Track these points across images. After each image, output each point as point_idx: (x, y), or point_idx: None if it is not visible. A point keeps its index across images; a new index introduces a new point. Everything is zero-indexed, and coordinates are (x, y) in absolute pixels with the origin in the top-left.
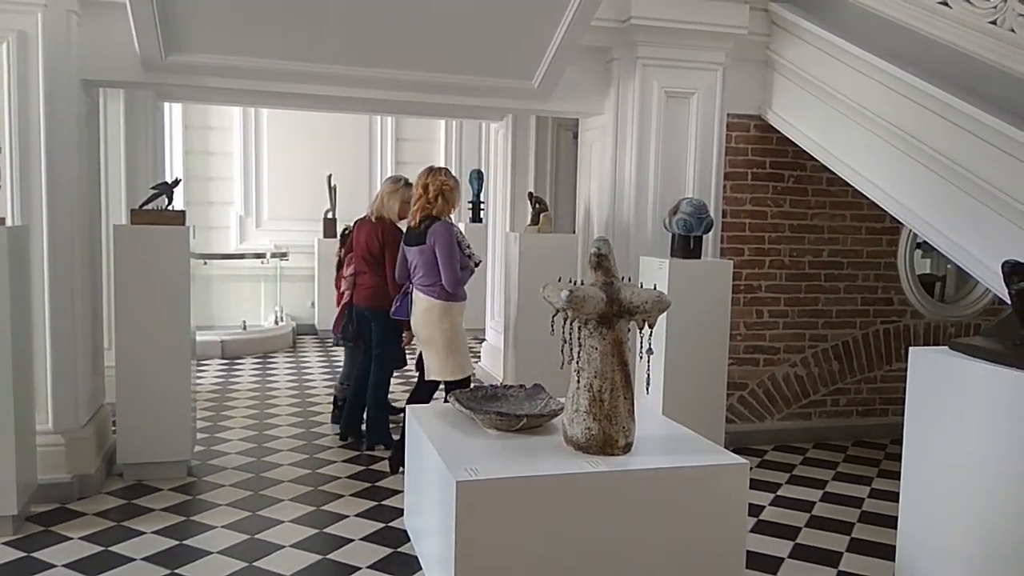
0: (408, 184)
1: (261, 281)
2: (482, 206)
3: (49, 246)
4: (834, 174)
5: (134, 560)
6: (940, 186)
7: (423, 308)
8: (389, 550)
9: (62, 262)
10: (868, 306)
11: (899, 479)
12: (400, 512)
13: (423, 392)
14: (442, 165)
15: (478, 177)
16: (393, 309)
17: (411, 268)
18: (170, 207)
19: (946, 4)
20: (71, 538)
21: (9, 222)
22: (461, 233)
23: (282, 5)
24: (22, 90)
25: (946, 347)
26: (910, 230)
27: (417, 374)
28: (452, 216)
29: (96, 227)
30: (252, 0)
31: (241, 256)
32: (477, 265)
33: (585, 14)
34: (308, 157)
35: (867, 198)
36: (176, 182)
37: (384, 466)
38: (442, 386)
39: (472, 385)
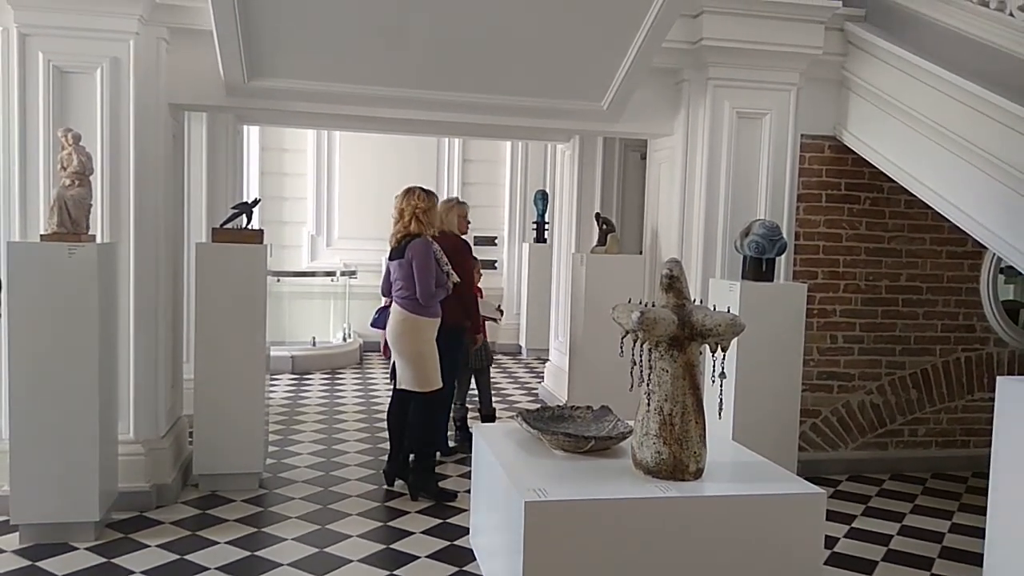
0: (461, 202)
1: (330, 298)
2: (546, 227)
3: (135, 262)
4: (913, 196)
5: (208, 569)
6: None
7: (396, 320)
8: (454, 568)
9: (147, 278)
10: (948, 333)
11: (982, 514)
12: (466, 531)
13: (396, 399)
14: (417, 185)
15: (543, 198)
16: (372, 320)
17: (392, 282)
18: (249, 226)
19: None
20: (149, 546)
21: (99, 239)
22: (441, 251)
23: (360, 32)
24: (113, 113)
25: None
26: (993, 254)
27: (391, 382)
28: (433, 233)
29: (179, 244)
30: (331, 28)
31: (312, 274)
32: (456, 285)
33: (656, 36)
34: (377, 178)
35: (948, 221)
36: (256, 202)
37: (451, 484)
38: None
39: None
